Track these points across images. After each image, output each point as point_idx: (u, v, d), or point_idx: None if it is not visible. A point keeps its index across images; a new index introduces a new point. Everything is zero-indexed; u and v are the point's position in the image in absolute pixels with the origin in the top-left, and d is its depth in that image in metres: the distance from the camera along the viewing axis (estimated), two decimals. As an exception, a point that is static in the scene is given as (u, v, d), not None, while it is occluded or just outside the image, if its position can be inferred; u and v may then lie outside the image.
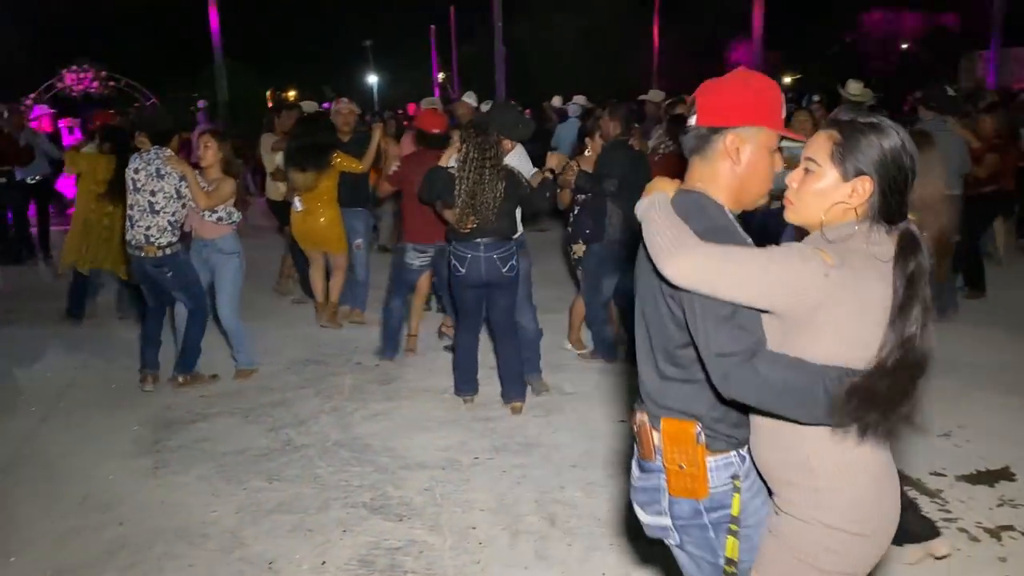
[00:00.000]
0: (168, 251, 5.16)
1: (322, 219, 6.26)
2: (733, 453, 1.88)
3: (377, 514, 3.77)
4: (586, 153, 5.62)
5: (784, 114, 1.87)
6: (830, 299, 1.63)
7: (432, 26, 20.80)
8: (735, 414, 1.85)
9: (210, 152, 5.20)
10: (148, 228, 5.13)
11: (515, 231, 4.90)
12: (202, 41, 27.09)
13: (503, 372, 4.98)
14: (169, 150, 5.24)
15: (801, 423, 1.71)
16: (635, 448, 2.00)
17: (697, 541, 1.91)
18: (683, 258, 1.65)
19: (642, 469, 1.97)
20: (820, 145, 1.74)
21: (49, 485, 4.16)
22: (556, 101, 14.61)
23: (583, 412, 4.92)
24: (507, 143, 4.90)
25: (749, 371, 1.65)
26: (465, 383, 5.05)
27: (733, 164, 1.84)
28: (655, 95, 11.27)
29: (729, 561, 1.86)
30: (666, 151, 6.24)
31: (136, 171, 5.18)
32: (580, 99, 12.99)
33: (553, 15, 31.64)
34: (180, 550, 3.51)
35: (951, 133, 6.26)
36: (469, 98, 8.31)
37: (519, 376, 4.96)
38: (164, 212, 5.13)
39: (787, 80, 33.46)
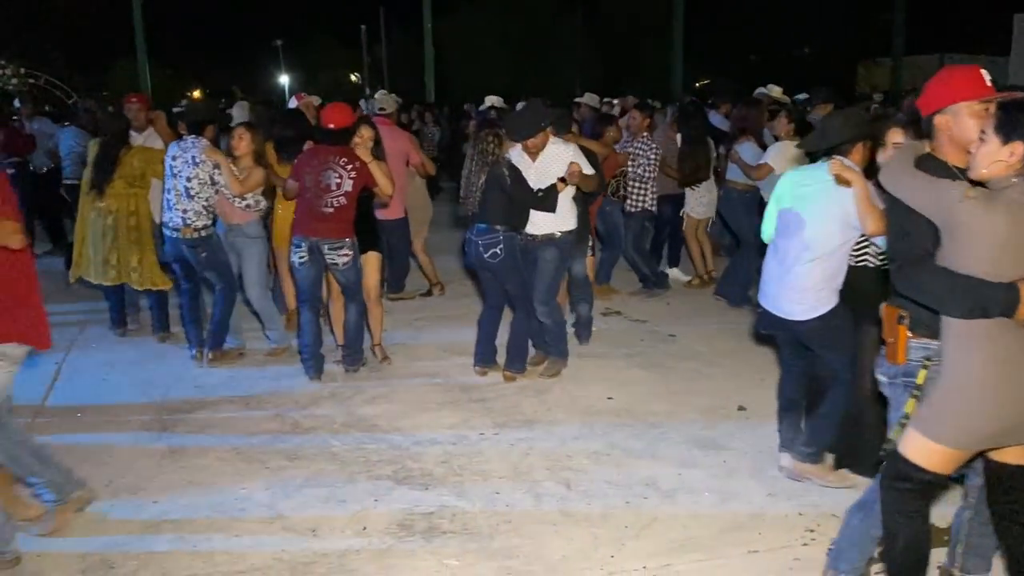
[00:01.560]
0: (203, 233, 5.49)
1: None
2: (934, 343, 2.60)
3: (403, 484, 4.02)
4: None
5: (986, 84, 2.51)
6: (966, 222, 2.31)
7: (363, 26, 20.75)
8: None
9: (244, 143, 5.51)
10: (185, 211, 5.43)
11: (506, 223, 5.13)
12: (108, 38, 26.33)
13: (508, 342, 5.47)
14: (206, 140, 5.51)
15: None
16: None
17: (893, 395, 2.82)
18: (887, 167, 2.63)
19: (884, 342, 2.83)
20: (989, 120, 2.36)
21: (67, 471, 4.24)
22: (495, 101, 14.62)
23: (572, 392, 5.25)
24: (540, 139, 5.14)
25: (907, 272, 2.50)
26: (478, 355, 5.55)
27: (949, 135, 2.56)
28: (590, 98, 11.70)
29: (905, 416, 2.66)
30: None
31: (174, 157, 5.49)
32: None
33: (475, 16, 31.97)
34: (223, 523, 3.68)
35: None
36: (381, 94, 8.60)
37: (519, 350, 5.42)
38: (199, 197, 5.45)
39: (696, 84, 34.68)
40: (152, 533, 3.60)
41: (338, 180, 5.17)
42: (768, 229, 3.95)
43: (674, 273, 8.15)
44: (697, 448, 4.42)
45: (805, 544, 3.44)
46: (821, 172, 3.63)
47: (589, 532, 3.56)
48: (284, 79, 42.91)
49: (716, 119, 8.81)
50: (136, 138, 6.15)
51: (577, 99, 11.95)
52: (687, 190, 7.73)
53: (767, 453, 4.31)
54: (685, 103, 9.54)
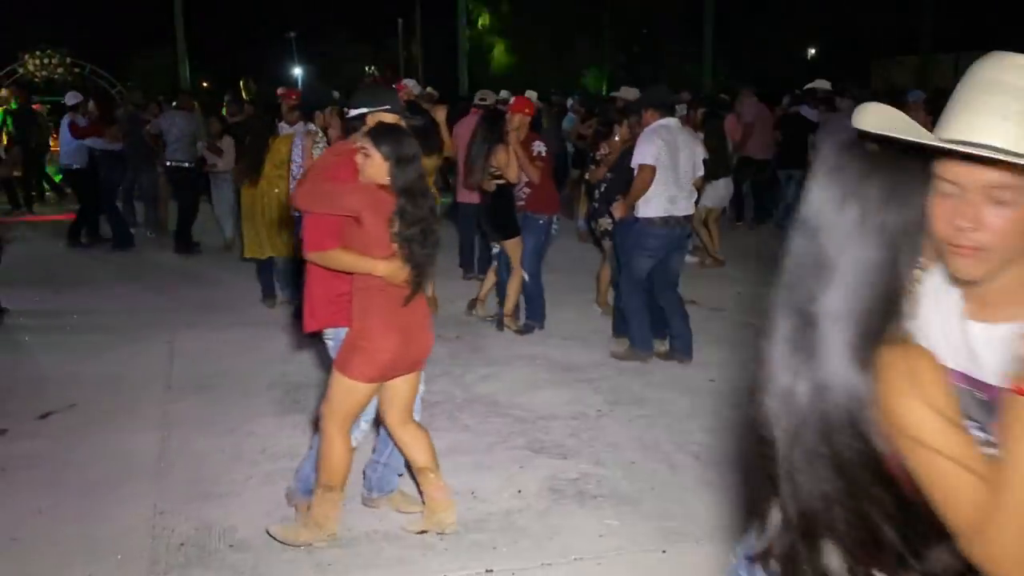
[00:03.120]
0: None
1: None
2: None
3: (541, 454, 4.29)
4: (615, 138, 6.38)
5: None
6: None
7: (400, 19, 20.93)
8: None
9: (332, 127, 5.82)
10: None
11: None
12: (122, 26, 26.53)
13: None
14: (311, 124, 5.85)
15: None
16: None
17: None
18: None
19: None
20: None
21: (217, 443, 4.50)
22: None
23: (673, 373, 5.51)
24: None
25: None
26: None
27: None
28: (628, 92, 12.01)
29: None
30: None
31: (295, 144, 5.86)
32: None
33: (501, 10, 32.24)
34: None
35: None
36: (411, 84, 8.91)
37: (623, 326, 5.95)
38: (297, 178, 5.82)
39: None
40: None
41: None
42: None
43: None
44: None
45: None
46: None
47: (732, 499, 3.83)
48: (297, 71, 43.16)
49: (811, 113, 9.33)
50: (285, 129, 6.56)
51: (614, 93, 12.30)
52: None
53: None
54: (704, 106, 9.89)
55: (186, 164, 8.88)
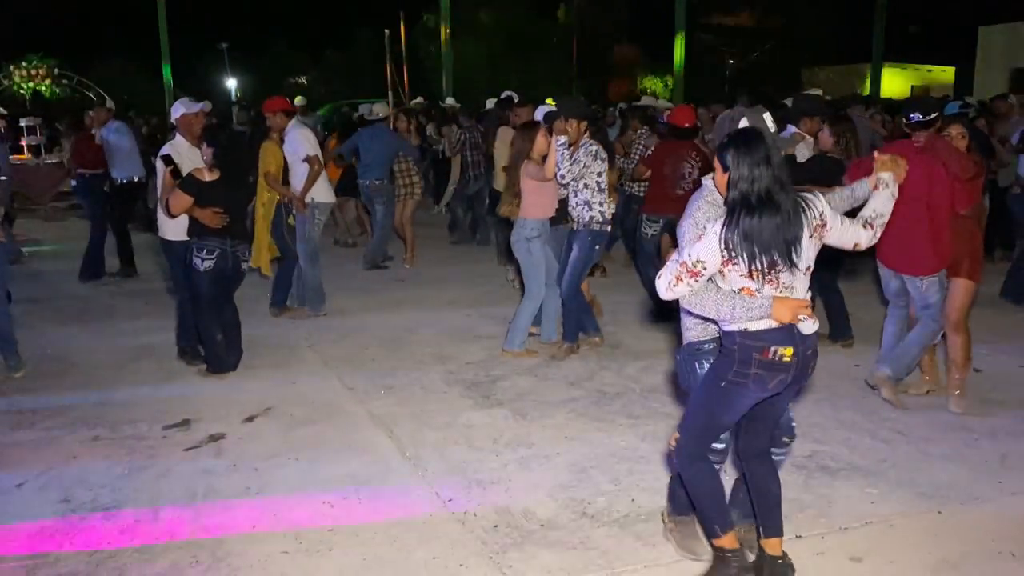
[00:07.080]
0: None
1: None
2: None
3: (759, 435, 4.57)
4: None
5: None
6: None
7: (386, 30, 20.80)
8: None
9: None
10: None
11: None
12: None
13: None
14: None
15: None
16: None
17: None
18: None
19: None
20: None
21: (445, 436, 4.66)
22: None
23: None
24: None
25: None
26: None
27: None
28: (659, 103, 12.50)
29: None
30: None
31: None
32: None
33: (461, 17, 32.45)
34: (642, 468, 4.19)
35: None
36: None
37: None
38: None
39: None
40: (578, 478, 4.09)
41: (690, 169, 6.26)
42: None
43: None
44: (977, 403, 5.08)
45: None
46: None
47: (964, 468, 4.18)
48: (232, 83, 42.68)
49: None
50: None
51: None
52: None
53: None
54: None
55: None
